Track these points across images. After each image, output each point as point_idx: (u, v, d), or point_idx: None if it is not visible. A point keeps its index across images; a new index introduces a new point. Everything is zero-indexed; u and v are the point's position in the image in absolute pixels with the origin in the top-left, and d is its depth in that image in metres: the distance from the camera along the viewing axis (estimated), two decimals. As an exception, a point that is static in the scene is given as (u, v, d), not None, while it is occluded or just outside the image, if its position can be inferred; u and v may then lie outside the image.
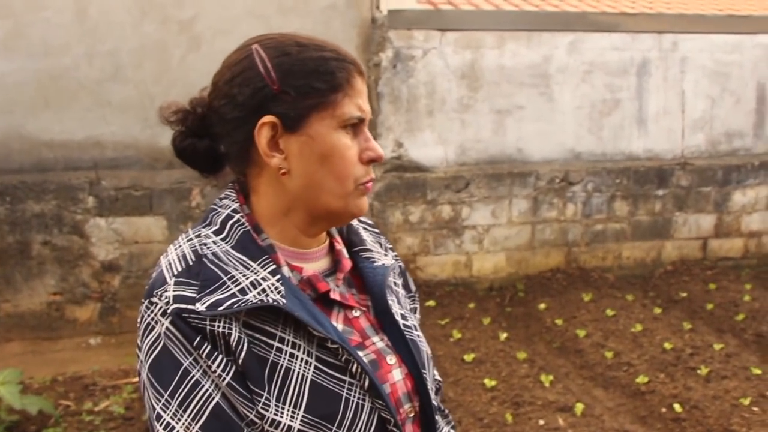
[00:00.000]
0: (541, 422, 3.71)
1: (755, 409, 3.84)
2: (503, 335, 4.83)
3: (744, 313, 5.06)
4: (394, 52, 5.39)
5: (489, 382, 4.12)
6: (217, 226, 1.04)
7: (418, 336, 1.19)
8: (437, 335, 4.73)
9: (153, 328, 0.96)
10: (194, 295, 0.95)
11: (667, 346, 4.57)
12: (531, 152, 5.75)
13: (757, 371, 4.23)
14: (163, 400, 0.94)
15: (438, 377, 1.28)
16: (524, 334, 4.96)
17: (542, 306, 5.27)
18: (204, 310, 0.93)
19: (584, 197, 5.83)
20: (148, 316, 0.97)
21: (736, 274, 5.96)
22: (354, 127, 1.06)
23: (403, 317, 1.18)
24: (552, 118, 5.77)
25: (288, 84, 1.01)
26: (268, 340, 0.98)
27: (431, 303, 5.26)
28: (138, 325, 1.00)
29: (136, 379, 3.95)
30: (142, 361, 0.98)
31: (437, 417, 1.17)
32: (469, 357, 4.45)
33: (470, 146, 5.62)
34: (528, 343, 4.81)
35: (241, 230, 1.03)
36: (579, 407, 3.80)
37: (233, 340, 0.95)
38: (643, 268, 6.01)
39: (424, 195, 5.51)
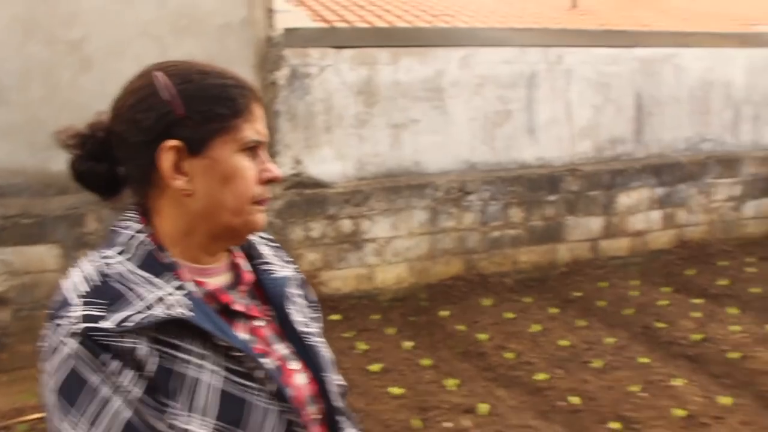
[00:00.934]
0: (449, 425, 3.79)
1: (644, 395, 4.06)
2: (408, 344, 4.91)
3: (632, 308, 5.35)
4: (291, 70, 5.43)
5: (396, 390, 4.19)
6: (121, 247, 1.06)
7: (319, 342, 1.24)
8: (343, 348, 4.76)
9: (59, 349, 0.96)
10: (101, 313, 0.96)
11: (564, 343, 4.77)
12: (428, 164, 5.89)
13: (645, 360, 4.48)
14: (72, 420, 0.94)
15: (342, 382, 1.33)
16: (428, 342, 5.05)
17: (445, 313, 5.40)
18: (112, 327, 0.95)
19: (481, 206, 6.02)
20: (54, 338, 0.97)
21: (625, 272, 6.28)
22: (253, 149, 1.10)
23: (304, 325, 1.23)
24: (447, 130, 5.93)
25: (192, 110, 1.05)
26: (177, 353, 1.01)
27: (336, 317, 5.30)
28: (42, 349, 1.00)
29: (31, 417, 3.81)
30: (48, 385, 0.98)
31: (342, 419, 1.23)
32: (375, 367, 4.51)
33: (368, 161, 5.72)
34: (432, 350, 4.91)
35: (146, 249, 1.06)
36: (484, 407, 3.91)
37: (142, 355, 0.96)
38: (539, 271, 6.23)
39: (324, 210, 5.56)
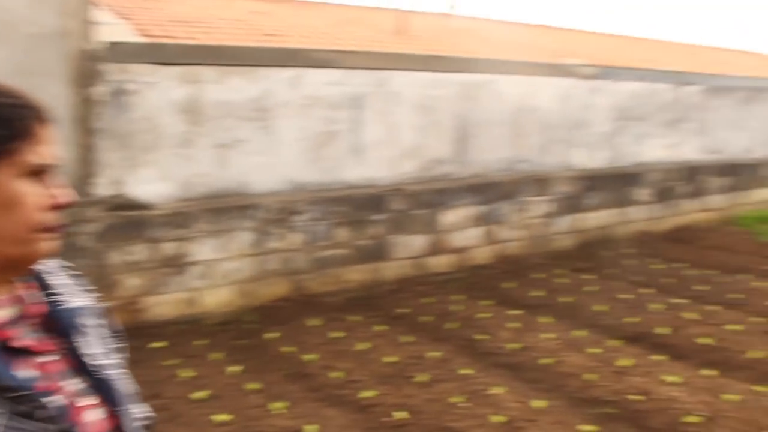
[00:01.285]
0: (275, 449, 3.75)
1: (466, 404, 4.23)
2: (235, 368, 4.81)
3: (456, 322, 5.57)
4: (112, 86, 5.17)
5: (221, 417, 4.07)
6: None
7: (117, 374, 1.18)
8: (166, 376, 4.57)
9: None
10: None
11: (390, 359, 4.87)
12: (254, 185, 5.83)
13: (468, 371, 4.67)
14: None
15: (148, 413, 1.27)
16: (256, 365, 4.97)
17: (272, 335, 5.34)
18: None
19: (307, 226, 6.04)
20: None
21: (449, 287, 6.53)
22: (38, 174, 1.03)
23: (100, 357, 1.16)
24: (274, 150, 5.91)
25: None
26: None
27: (159, 344, 5.08)
28: None
29: None
30: None
31: None
32: (200, 395, 4.36)
33: (194, 181, 5.57)
34: (260, 373, 4.83)
35: None
36: (311, 429, 3.89)
37: None
38: (366, 290, 6.34)
39: (146, 233, 5.32)
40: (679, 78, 9.77)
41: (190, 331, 5.39)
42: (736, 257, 7.92)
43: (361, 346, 5.09)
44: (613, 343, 5.01)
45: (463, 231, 7.02)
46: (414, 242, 6.68)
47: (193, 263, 5.55)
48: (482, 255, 7.24)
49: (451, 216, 6.91)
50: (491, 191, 7.29)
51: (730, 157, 10.67)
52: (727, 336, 5.13)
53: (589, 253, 8.02)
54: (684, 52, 14.19)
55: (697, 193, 10.07)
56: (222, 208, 5.63)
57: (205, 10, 7.88)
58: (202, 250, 5.57)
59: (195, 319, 5.55)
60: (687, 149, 9.90)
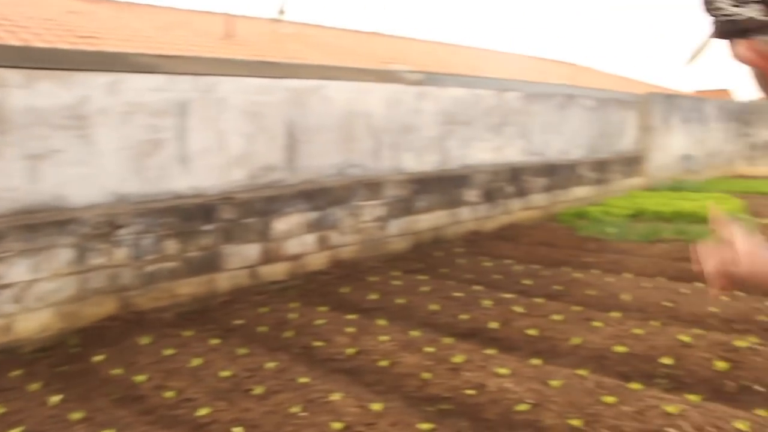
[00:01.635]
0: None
1: (305, 414, 4.13)
2: (56, 398, 4.42)
3: (292, 330, 5.48)
4: None
5: (37, 453, 3.74)
6: None
7: None
8: (-28, 414, 4.14)
9: None
10: None
11: (226, 374, 4.69)
12: (73, 198, 5.43)
13: (305, 380, 4.58)
14: None
15: None
16: (81, 392, 4.61)
17: (99, 358, 4.99)
18: None
19: (133, 240, 5.71)
20: None
21: (284, 296, 6.43)
22: None
23: None
24: (94, 161, 5.54)
25: None
26: None
27: (-35, 378, 4.60)
28: None
29: None
30: None
31: None
32: None
33: (1, 196, 5.10)
34: (86, 400, 4.49)
35: None
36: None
37: None
38: (199, 303, 6.10)
39: (-55, 255, 4.82)
40: (501, 84, 10.30)
41: (3, 361, 4.92)
42: (558, 251, 8.43)
43: (195, 362, 4.87)
44: (447, 340, 5.13)
45: (297, 238, 6.96)
46: (247, 251, 6.53)
47: (4, 286, 5.07)
48: (317, 261, 7.21)
49: (283, 223, 6.82)
50: (323, 197, 7.29)
51: (550, 158, 11.39)
52: (551, 326, 5.41)
53: (423, 254, 8.23)
54: (505, 60, 15.01)
55: (521, 193, 10.65)
56: (36, 225, 5.19)
57: (13, 7, 7.29)
58: (14, 271, 5.10)
59: (9, 348, 5.07)
60: (511, 152, 10.45)
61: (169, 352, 5.06)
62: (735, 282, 1.19)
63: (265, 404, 4.28)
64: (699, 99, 18.01)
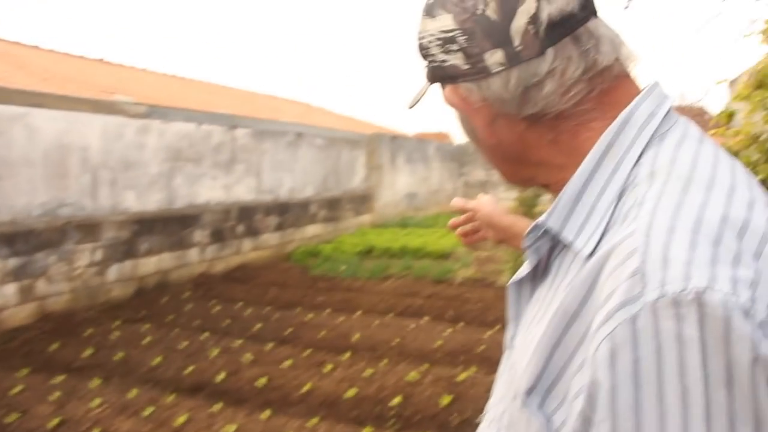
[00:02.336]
0: None
1: None
2: None
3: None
4: None
5: None
6: None
7: None
8: None
9: None
10: None
11: None
12: None
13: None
14: None
15: None
16: None
17: None
18: None
19: None
20: None
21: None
22: None
23: None
24: None
25: None
26: None
27: None
28: None
29: None
30: None
31: None
32: None
33: None
34: None
35: None
36: None
37: None
38: None
39: None
40: (231, 121, 10.03)
41: None
42: (290, 292, 8.29)
43: None
44: (169, 398, 4.67)
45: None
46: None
47: None
48: (19, 315, 6.28)
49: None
50: (28, 241, 6.40)
51: (281, 196, 11.32)
52: (281, 373, 5.19)
53: (147, 301, 7.61)
54: (236, 96, 14.79)
55: (252, 233, 10.41)
56: None
57: None
58: None
59: None
60: (241, 190, 10.19)
61: None
62: (478, 234, 1.55)
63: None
64: (421, 141, 19.28)
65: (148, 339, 6.07)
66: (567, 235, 0.75)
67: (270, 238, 10.91)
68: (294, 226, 11.68)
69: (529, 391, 0.71)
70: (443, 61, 0.80)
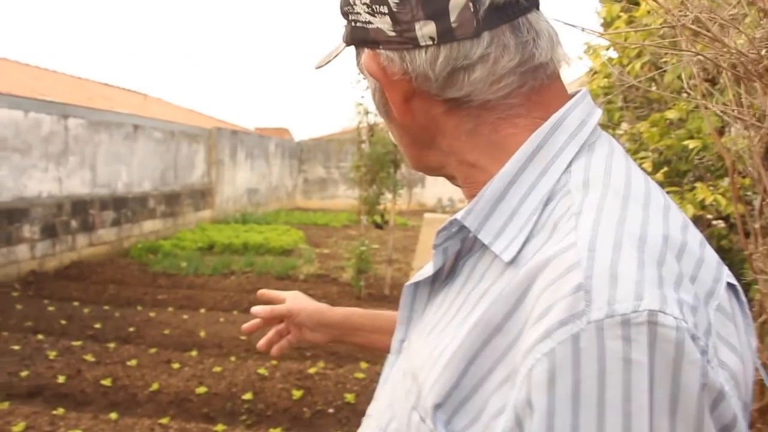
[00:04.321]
0: None
1: None
2: None
3: None
4: None
5: None
6: None
7: None
8: None
9: None
10: None
11: None
12: None
13: None
14: None
15: None
16: None
17: None
18: None
19: None
20: None
21: None
22: None
23: None
24: None
25: None
26: None
27: None
28: None
29: None
30: None
31: None
32: None
33: None
34: None
35: None
36: None
37: None
38: None
39: None
40: (63, 110, 9.50)
41: None
42: (130, 289, 8.02)
43: None
44: (3, 405, 4.41)
45: None
46: None
47: None
48: None
49: None
50: None
51: (118, 190, 10.87)
52: (127, 373, 5.05)
53: (-31, 302, 7.07)
54: (67, 83, 13.96)
55: (87, 228, 9.92)
56: None
57: None
58: None
59: None
60: (75, 183, 9.68)
61: None
62: (287, 338, 1.35)
63: None
64: (262, 136, 19.15)
65: (-27, 342, 5.67)
66: (484, 236, 0.69)
67: (106, 234, 10.44)
68: (131, 222, 11.25)
69: (437, 407, 0.65)
70: (367, 22, 0.73)
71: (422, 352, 0.72)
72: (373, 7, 0.71)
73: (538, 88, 0.72)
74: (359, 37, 0.75)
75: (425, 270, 0.79)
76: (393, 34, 0.71)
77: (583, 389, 0.53)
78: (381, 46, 0.73)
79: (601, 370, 0.53)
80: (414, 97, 0.74)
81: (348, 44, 0.79)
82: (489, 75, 0.70)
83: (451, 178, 0.82)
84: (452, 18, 0.68)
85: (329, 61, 0.84)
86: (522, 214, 0.68)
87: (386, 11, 0.70)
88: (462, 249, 0.75)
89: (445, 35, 0.69)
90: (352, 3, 0.74)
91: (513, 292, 0.62)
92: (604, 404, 0.53)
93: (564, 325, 0.54)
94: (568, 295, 0.56)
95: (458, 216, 0.71)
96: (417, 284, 0.80)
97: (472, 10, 0.68)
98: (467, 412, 0.63)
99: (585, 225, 0.61)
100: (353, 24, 0.75)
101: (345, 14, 0.76)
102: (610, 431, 0.53)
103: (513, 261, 0.66)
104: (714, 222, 2.95)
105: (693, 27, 1.37)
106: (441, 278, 0.78)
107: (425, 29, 0.69)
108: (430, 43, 0.69)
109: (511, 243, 0.67)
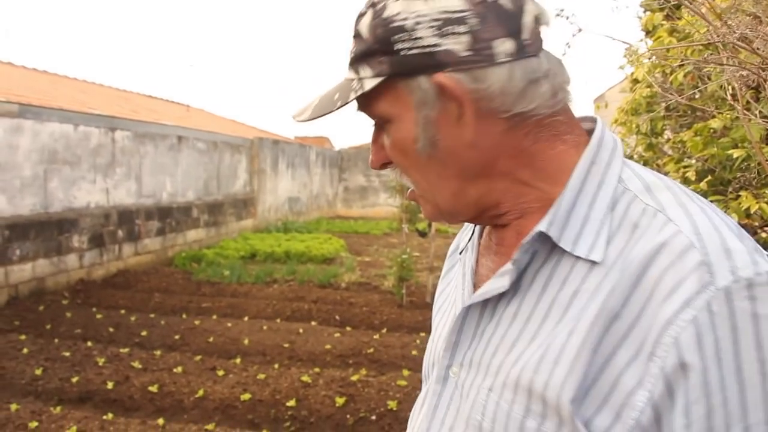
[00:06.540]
0: None
1: None
2: None
3: None
4: None
5: None
6: None
7: None
8: None
9: None
10: None
11: None
12: None
13: None
14: None
15: None
16: None
17: None
18: None
19: None
20: None
21: None
22: None
23: None
24: None
25: None
26: None
27: None
28: None
29: None
30: None
31: None
32: None
33: None
34: None
35: None
36: None
37: None
38: None
39: None
40: (111, 123, 9.72)
41: None
42: (175, 297, 8.15)
43: None
44: (56, 410, 4.52)
45: None
46: None
47: None
48: None
49: None
50: None
51: (162, 200, 11.07)
52: (172, 380, 5.14)
53: (22, 310, 7.26)
54: (114, 97, 14.27)
55: (133, 237, 10.12)
56: None
57: None
58: None
59: None
60: (122, 193, 9.89)
61: None
62: None
63: None
64: (302, 145, 19.32)
65: (25, 349, 5.81)
66: (565, 244, 0.75)
67: (151, 243, 10.64)
68: (175, 231, 11.44)
69: (573, 401, 0.69)
70: (433, 45, 0.72)
71: (521, 362, 0.75)
72: (446, 28, 0.72)
73: (568, 109, 0.80)
74: (416, 64, 0.74)
75: (495, 286, 0.80)
76: (468, 53, 0.73)
77: (722, 345, 0.63)
78: (449, 68, 0.73)
79: (734, 326, 0.63)
80: (478, 117, 0.76)
81: (394, 75, 0.76)
82: (551, 88, 0.76)
83: (483, 213, 0.83)
84: (524, 36, 0.74)
85: (331, 111, 0.80)
86: (593, 220, 0.75)
87: (464, 30, 0.72)
88: (531, 261, 0.78)
89: (521, 51, 0.74)
90: (409, 29, 0.73)
91: (625, 281, 0.70)
92: (740, 354, 0.63)
93: (699, 294, 0.64)
94: (693, 270, 0.65)
95: (541, 227, 0.75)
96: (484, 303, 0.82)
97: (537, 30, 0.75)
98: (594, 398, 0.69)
99: (679, 217, 0.71)
100: (406, 52, 0.74)
101: (391, 44, 0.74)
102: (748, 377, 0.63)
103: (601, 260, 0.73)
104: (759, 230, 2.90)
105: (739, 44, 1.36)
106: (509, 292, 0.80)
107: (503, 46, 0.73)
108: (509, 59, 0.73)
109: (593, 246, 0.74)
